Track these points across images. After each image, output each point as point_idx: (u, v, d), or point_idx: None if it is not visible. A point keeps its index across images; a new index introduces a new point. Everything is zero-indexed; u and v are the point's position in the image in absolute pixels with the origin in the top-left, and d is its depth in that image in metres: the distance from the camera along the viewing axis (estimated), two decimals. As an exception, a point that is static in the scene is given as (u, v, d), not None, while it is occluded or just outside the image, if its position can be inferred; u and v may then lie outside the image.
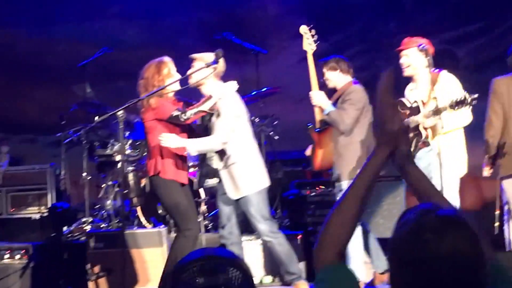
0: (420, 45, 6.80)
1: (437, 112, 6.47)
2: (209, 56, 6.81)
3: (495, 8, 11.71)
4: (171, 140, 6.62)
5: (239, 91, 7.05)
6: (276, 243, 6.93)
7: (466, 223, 2.13)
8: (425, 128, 6.69)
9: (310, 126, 7.20)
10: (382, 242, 7.45)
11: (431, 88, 6.58)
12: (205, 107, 6.71)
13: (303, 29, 7.26)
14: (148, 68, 6.82)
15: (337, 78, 7.27)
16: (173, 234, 8.29)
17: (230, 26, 9.94)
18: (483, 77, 9.99)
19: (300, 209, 9.58)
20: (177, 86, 6.87)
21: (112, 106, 6.46)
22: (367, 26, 11.97)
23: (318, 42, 7.17)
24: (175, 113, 6.66)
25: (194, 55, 6.95)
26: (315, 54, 7.34)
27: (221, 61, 6.81)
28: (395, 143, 2.45)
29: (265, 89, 9.51)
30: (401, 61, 7.00)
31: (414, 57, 6.92)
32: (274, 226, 7.01)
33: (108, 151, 9.21)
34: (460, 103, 6.30)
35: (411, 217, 2.15)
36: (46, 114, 11.07)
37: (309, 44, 7.20)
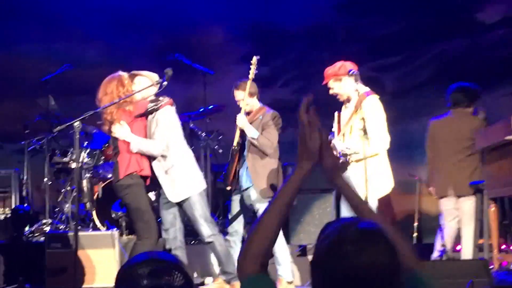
0: (337, 75, 6.72)
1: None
2: (154, 75, 6.81)
3: (415, 43, 11.87)
4: (123, 129, 6.53)
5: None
6: (217, 244, 6.82)
7: (385, 236, 2.09)
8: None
9: (236, 148, 7.23)
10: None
11: (354, 110, 6.57)
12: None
13: (254, 59, 7.24)
14: (109, 84, 6.58)
15: (255, 102, 7.34)
16: (125, 237, 8.21)
17: (181, 49, 9.88)
18: (405, 102, 10.12)
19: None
20: (139, 95, 6.75)
21: (73, 118, 6.32)
22: (303, 53, 12.04)
23: (257, 71, 7.19)
24: (150, 105, 6.65)
25: (141, 72, 6.88)
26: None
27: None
28: (316, 158, 2.38)
29: (211, 106, 9.49)
30: (330, 92, 6.86)
31: (336, 87, 6.78)
32: (214, 229, 6.89)
33: (65, 159, 9.10)
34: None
35: (333, 230, 2.11)
36: (12, 124, 10.91)
37: (253, 73, 7.20)
